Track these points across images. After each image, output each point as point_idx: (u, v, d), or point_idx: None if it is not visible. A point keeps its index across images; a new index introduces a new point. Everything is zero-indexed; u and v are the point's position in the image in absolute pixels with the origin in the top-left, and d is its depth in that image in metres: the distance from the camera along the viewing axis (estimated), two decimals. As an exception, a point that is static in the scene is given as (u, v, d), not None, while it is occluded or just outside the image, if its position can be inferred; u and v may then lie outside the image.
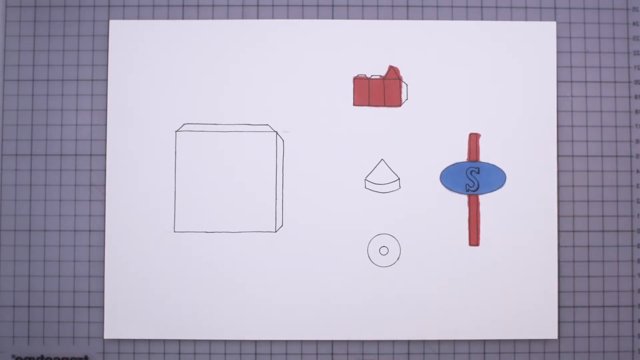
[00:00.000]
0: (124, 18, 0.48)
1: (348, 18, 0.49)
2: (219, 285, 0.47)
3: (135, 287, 0.47)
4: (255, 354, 0.48)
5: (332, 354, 0.48)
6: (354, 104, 0.48)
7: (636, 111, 0.49)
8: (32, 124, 0.48)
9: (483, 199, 0.48)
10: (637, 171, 0.48)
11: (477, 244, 0.47)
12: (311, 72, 0.48)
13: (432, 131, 0.48)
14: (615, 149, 0.48)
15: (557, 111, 0.48)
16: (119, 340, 0.48)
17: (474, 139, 0.48)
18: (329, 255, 0.47)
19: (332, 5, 0.49)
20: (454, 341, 0.48)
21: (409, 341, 0.48)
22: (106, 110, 0.48)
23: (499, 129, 0.48)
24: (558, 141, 0.48)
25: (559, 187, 0.48)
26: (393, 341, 0.48)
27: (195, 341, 0.48)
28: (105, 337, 0.47)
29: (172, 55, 0.48)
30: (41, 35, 0.48)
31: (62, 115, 0.48)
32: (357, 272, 0.47)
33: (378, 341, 0.48)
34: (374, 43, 0.48)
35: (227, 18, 0.49)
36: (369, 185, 0.48)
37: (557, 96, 0.48)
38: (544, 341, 0.48)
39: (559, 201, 0.48)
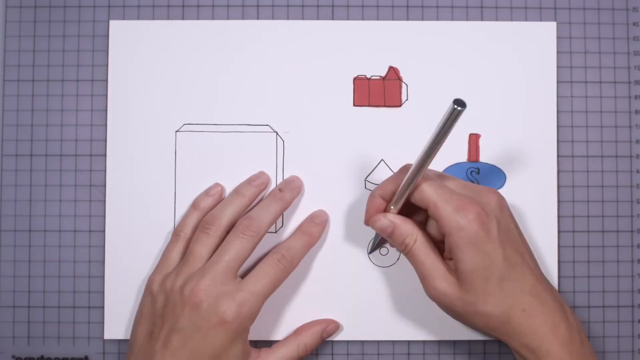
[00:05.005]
0: (124, 18, 0.48)
1: (348, 19, 0.49)
2: (219, 286, 0.47)
3: (135, 287, 0.47)
4: (255, 354, 0.48)
5: (332, 354, 0.48)
6: (354, 104, 0.48)
7: (636, 111, 0.49)
8: (32, 124, 0.48)
9: (483, 199, 0.48)
10: (637, 171, 0.48)
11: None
12: (311, 72, 0.48)
13: (432, 131, 0.48)
14: (615, 149, 0.48)
15: (557, 111, 0.48)
16: (119, 341, 0.48)
17: (474, 139, 0.48)
18: (329, 256, 0.47)
19: (332, 6, 0.49)
20: (454, 341, 0.48)
21: (409, 341, 0.48)
22: (106, 110, 0.48)
23: (499, 129, 0.48)
24: (558, 141, 0.48)
25: (559, 187, 0.48)
26: (393, 341, 0.48)
27: (195, 341, 0.47)
28: (105, 337, 0.47)
29: (172, 55, 0.48)
30: (41, 35, 0.48)
31: (62, 116, 0.48)
32: (357, 272, 0.47)
33: (378, 341, 0.48)
34: (374, 43, 0.48)
35: (227, 18, 0.49)
36: (369, 185, 0.48)
37: (557, 96, 0.48)
38: (544, 341, 0.48)
39: (559, 201, 0.48)
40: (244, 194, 0.46)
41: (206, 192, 0.47)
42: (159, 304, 0.43)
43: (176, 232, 0.46)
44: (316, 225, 0.47)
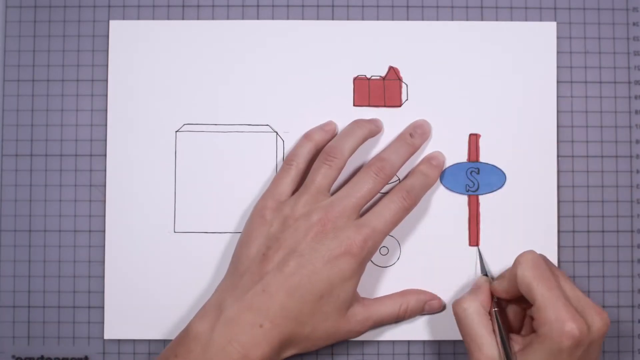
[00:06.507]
0: (124, 18, 0.49)
1: (348, 19, 0.49)
2: (219, 286, 0.47)
3: (135, 287, 0.47)
4: (255, 354, 0.48)
5: (332, 354, 0.48)
6: (354, 104, 0.48)
7: (636, 112, 0.49)
8: (32, 124, 0.48)
9: (483, 199, 0.48)
10: (637, 171, 0.48)
11: (477, 244, 0.47)
12: (311, 72, 0.48)
13: (432, 131, 0.48)
14: (615, 149, 0.48)
15: (557, 111, 0.48)
16: (119, 341, 0.48)
17: (474, 139, 0.48)
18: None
19: (332, 6, 0.49)
20: (454, 341, 0.48)
21: (409, 341, 0.48)
22: (106, 110, 0.48)
23: (499, 129, 0.48)
24: (558, 141, 0.48)
25: (559, 187, 0.48)
26: (393, 341, 0.48)
27: (195, 341, 0.47)
28: (105, 337, 0.47)
29: (172, 55, 0.48)
30: (41, 35, 0.48)
31: (62, 116, 0.48)
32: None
33: (378, 341, 0.48)
34: (374, 43, 0.48)
35: (227, 19, 0.49)
36: (369, 185, 0.48)
37: (557, 96, 0.48)
38: (544, 341, 0.48)
39: (559, 201, 0.48)
40: (363, 125, 0.46)
41: (321, 127, 0.47)
42: (275, 228, 0.43)
43: (287, 162, 0.46)
44: (434, 167, 0.46)
